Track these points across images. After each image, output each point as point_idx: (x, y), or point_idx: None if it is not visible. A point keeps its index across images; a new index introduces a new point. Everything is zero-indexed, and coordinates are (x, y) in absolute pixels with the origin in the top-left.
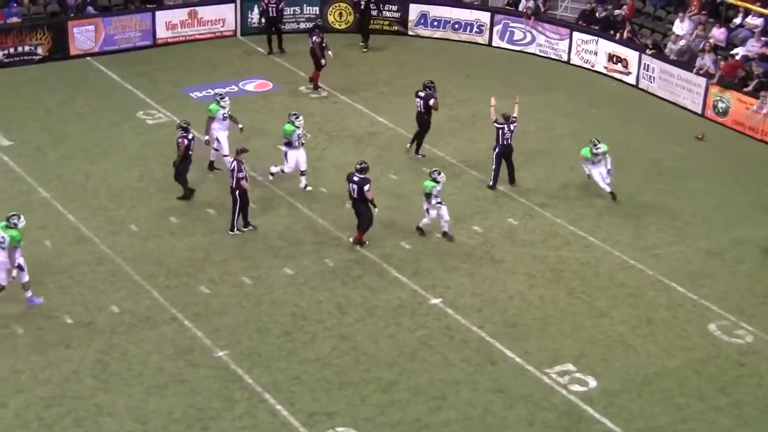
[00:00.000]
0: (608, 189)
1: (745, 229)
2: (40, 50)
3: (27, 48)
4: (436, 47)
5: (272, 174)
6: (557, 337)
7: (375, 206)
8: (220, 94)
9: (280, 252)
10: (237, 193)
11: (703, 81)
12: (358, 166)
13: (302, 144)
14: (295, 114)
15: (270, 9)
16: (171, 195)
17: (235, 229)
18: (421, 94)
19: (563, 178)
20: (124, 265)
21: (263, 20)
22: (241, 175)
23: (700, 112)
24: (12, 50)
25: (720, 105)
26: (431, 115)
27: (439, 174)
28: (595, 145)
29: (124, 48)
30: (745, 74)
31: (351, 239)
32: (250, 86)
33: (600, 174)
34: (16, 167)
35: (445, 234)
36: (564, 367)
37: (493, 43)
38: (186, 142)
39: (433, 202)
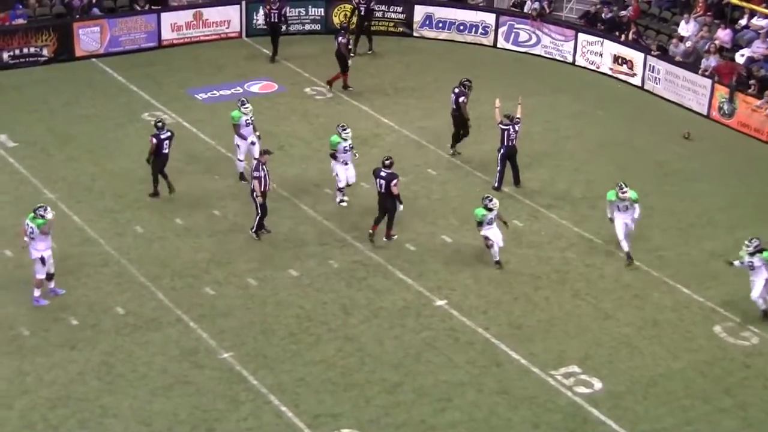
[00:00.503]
0: (626, 247)
1: (751, 231)
2: (45, 52)
3: (32, 49)
4: (442, 49)
5: (342, 201)
6: (562, 339)
7: (401, 202)
8: (242, 100)
9: (285, 253)
10: (252, 194)
11: (708, 82)
12: (386, 162)
13: (347, 160)
14: (342, 126)
15: (272, 14)
16: (176, 197)
17: (253, 230)
18: (456, 90)
19: (568, 179)
20: (129, 266)
21: (266, 25)
22: (255, 174)
23: (705, 113)
24: (17, 51)
25: (725, 107)
26: (463, 113)
27: (491, 201)
28: (621, 188)
29: (130, 49)
30: (747, 76)
31: (384, 237)
32: (255, 88)
33: (624, 225)
34: (22, 168)
35: (497, 262)
36: (569, 369)
37: (499, 45)
38: (155, 141)
39: (484, 231)
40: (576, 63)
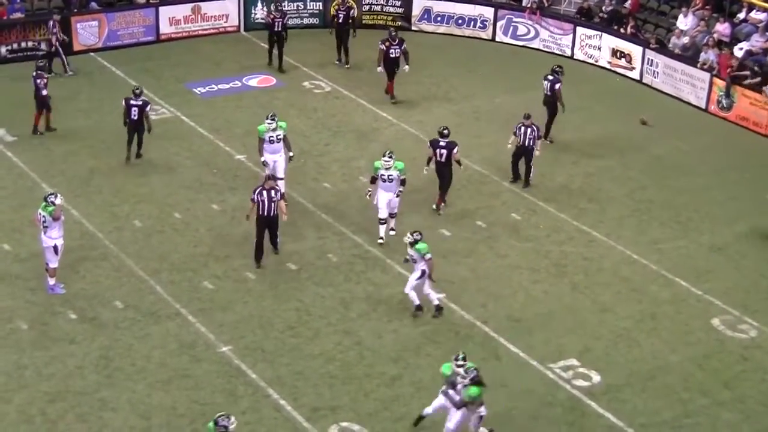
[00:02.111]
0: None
1: (749, 224)
2: (43, 46)
3: (30, 44)
4: (440, 42)
5: (383, 238)
6: (561, 332)
7: (461, 165)
8: (272, 114)
9: (283, 247)
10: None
11: (706, 76)
12: (443, 131)
13: (387, 180)
14: (390, 153)
15: (276, 23)
16: (175, 191)
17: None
18: (550, 77)
19: (567, 173)
20: (127, 260)
21: (267, 32)
22: (251, 197)
23: (703, 107)
24: (15, 46)
25: (724, 100)
26: (558, 99)
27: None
28: (456, 358)
29: (128, 44)
30: (746, 69)
31: (434, 206)
32: (254, 82)
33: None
34: (20, 163)
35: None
36: (568, 362)
37: (497, 38)
38: (123, 104)
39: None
40: (574, 57)
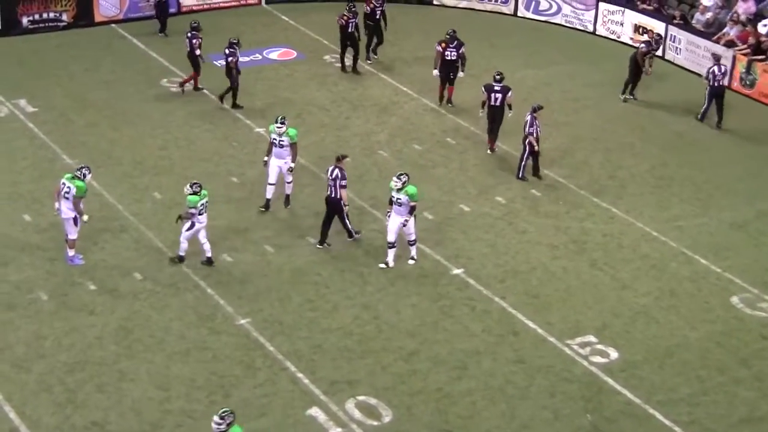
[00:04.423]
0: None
1: None
2: (65, 17)
3: (52, 14)
4: (461, 17)
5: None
6: (579, 309)
7: (511, 109)
8: (281, 117)
9: (302, 221)
10: (342, 203)
11: (730, 53)
12: (497, 77)
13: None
14: (402, 174)
15: (350, 24)
16: (194, 163)
17: (354, 233)
18: (644, 48)
19: (587, 149)
20: (147, 232)
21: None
22: (344, 183)
23: (726, 84)
24: (37, 16)
25: (747, 77)
26: (644, 65)
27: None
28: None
29: (149, 15)
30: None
31: (488, 150)
32: (274, 55)
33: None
34: (41, 134)
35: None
36: (585, 339)
37: (519, 14)
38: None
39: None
40: (596, 32)
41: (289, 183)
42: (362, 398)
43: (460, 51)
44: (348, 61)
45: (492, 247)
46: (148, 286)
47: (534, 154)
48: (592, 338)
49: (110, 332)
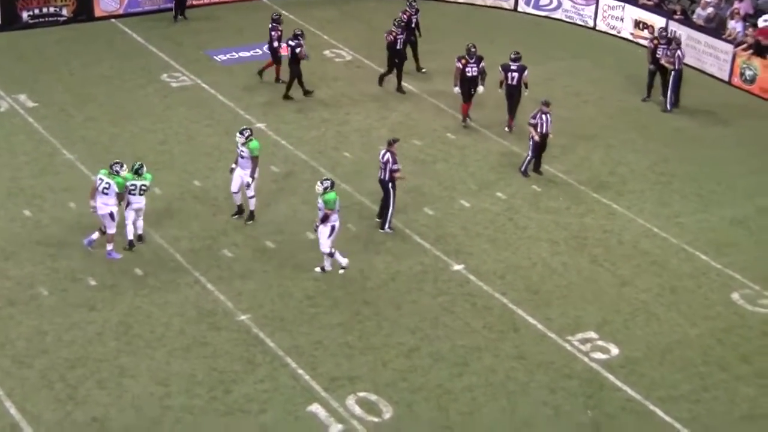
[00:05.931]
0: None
1: None
2: (64, 12)
3: (52, 9)
4: (462, 12)
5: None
6: (580, 305)
7: (527, 87)
8: (242, 128)
9: (302, 216)
10: (390, 185)
11: (730, 48)
12: (513, 56)
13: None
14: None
15: (398, 41)
16: (195, 158)
17: (387, 226)
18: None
19: (588, 145)
20: (147, 227)
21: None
22: (395, 167)
23: (726, 79)
24: (37, 11)
25: (747, 72)
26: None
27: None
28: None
29: (149, 10)
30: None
31: (506, 128)
32: None
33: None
34: (41, 129)
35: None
36: (586, 335)
37: (519, 9)
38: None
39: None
40: (597, 28)
41: (250, 198)
42: (363, 394)
43: (481, 66)
44: (388, 78)
45: (492, 243)
46: (149, 282)
47: (537, 149)
48: (592, 334)
49: (111, 328)
